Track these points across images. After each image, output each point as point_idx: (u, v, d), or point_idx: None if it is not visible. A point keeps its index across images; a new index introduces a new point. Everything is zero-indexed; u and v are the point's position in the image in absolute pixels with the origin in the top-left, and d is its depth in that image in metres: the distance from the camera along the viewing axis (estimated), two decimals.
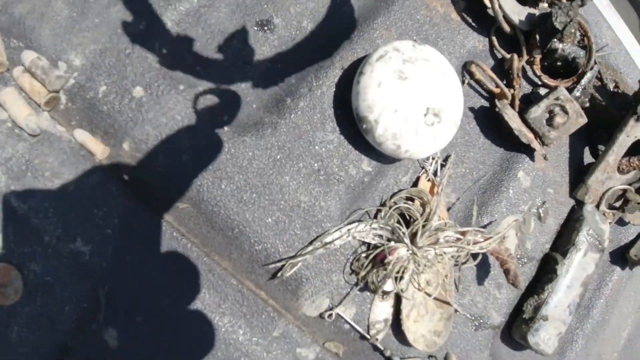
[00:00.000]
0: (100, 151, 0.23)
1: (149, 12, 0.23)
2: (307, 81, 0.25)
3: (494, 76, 0.28)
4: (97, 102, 0.23)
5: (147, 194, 0.23)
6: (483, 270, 0.28)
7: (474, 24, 0.29)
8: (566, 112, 0.29)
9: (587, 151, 0.34)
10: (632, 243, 0.36)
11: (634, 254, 0.35)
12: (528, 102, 0.30)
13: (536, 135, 0.29)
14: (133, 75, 0.23)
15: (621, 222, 0.36)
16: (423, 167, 0.27)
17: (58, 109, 0.23)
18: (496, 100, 0.28)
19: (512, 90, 0.29)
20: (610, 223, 0.34)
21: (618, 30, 0.38)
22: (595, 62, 0.30)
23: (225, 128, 0.24)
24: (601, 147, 0.33)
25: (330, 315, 0.25)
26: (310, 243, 0.24)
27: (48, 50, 0.23)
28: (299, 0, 0.26)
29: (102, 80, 0.23)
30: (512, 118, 0.28)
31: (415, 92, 0.23)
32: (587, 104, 0.31)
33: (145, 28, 0.23)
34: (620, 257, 0.36)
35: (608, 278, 0.36)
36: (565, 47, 0.29)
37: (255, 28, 0.25)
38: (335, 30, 0.26)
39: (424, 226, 0.25)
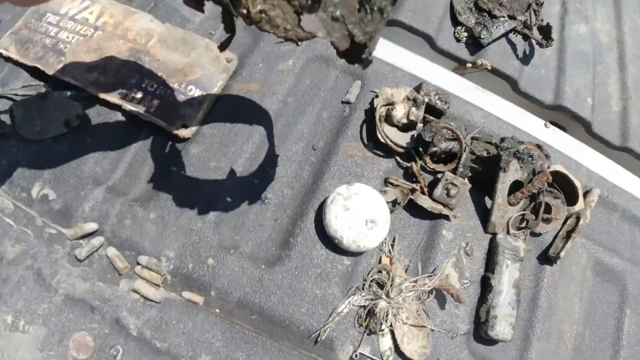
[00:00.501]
0: (199, 300, 0.43)
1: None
2: (298, 224, 0.45)
3: (405, 182, 0.49)
4: (189, 274, 0.43)
5: (230, 315, 0.42)
6: (440, 299, 0.46)
7: (382, 153, 0.50)
8: (456, 185, 0.49)
9: (486, 199, 0.53)
10: (550, 245, 0.54)
11: (552, 252, 0.52)
12: (433, 185, 0.50)
13: (444, 205, 0.49)
14: (204, 253, 0.44)
15: (536, 234, 0.54)
16: (381, 250, 0.47)
17: (168, 283, 0.43)
18: (411, 195, 0.48)
19: (419, 184, 0.49)
20: (524, 239, 0.52)
21: (487, 105, 0.59)
22: (466, 146, 0.51)
23: (262, 266, 0.44)
24: None
25: (357, 355, 0.43)
26: (330, 315, 0.43)
27: (152, 252, 0.43)
28: (283, 181, 0.47)
29: (188, 260, 0.43)
30: (425, 201, 0.48)
31: (357, 214, 0.43)
32: (470, 174, 0.51)
33: (200, 227, 0.44)
34: (545, 257, 0.53)
35: (542, 274, 0.51)
36: (442, 146, 0.50)
37: (259, 203, 0.46)
38: (305, 190, 0.47)
39: (391, 285, 0.44)
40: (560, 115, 0.64)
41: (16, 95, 0.48)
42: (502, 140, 0.50)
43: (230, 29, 0.32)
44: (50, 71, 0.48)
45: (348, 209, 0.43)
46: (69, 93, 0.47)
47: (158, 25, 0.51)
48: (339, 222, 0.43)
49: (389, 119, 0.49)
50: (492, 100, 0.59)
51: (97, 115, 0.47)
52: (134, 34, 0.50)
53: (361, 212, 0.44)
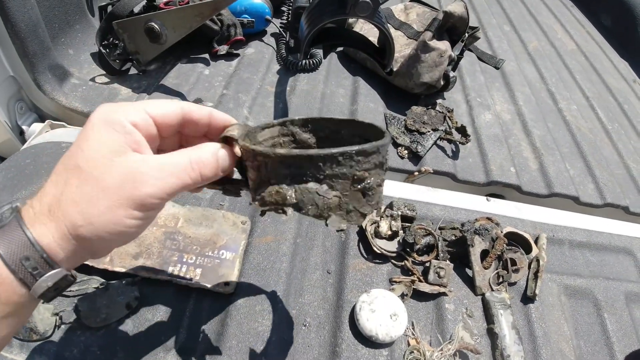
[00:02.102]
0: None
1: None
2: (338, 335, 0.65)
3: (404, 277, 0.72)
4: None
5: None
6: (464, 358, 0.67)
7: (380, 261, 0.73)
8: (443, 268, 0.73)
9: (467, 270, 0.77)
10: (526, 287, 0.78)
11: (529, 293, 0.77)
12: (425, 273, 0.73)
13: (439, 285, 0.72)
14: None
15: (512, 284, 0.78)
16: (406, 335, 0.67)
17: None
18: (413, 285, 0.71)
19: (415, 275, 0.72)
20: (505, 290, 0.76)
21: (440, 199, 0.87)
22: (439, 237, 0.76)
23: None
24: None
25: None
26: None
27: None
28: (314, 304, 0.67)
29: None
30: (424, 287, 0.71)
31: (382, 312, 0.65)
32: (449, 256, 0.75)
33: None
34: (526, 297, 0.77)
35: (529, 312, 0.75)
36: (422, 242, 0.74)
37: (302, 328, 0.65)
38: (333, 307, 0.68)
39: (425, 359, 0.64)
40: (495, 188, 0.94)
41: (70, 291, 0.65)
42: (463, 225, 0.76)
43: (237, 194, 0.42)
44: (99, 265, 0.67)
45: (374, 311, 0.65)
46: (124, 281, 0.65)
47: (180, 208, 0.74)
48: (371, 323, 0.64)
49: (377, 234, 0.73)
50: (442, 195, 0.88)
51: (152, 292, 0.66)
52: (163, 219, 0.72)
53: (384, 310, 0.65)
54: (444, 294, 0.73)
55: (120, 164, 0.31)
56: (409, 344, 0.69)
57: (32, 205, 0.32)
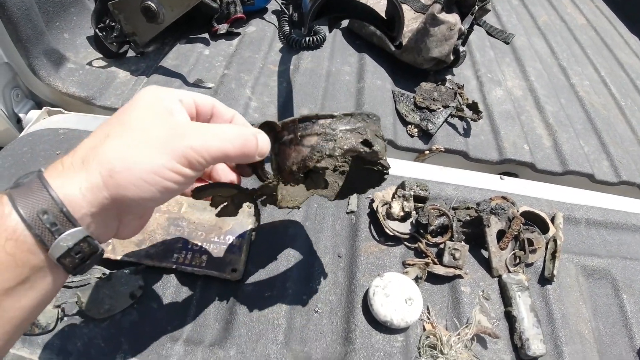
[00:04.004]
0: None
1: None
2: (351, 321, 0.61)
3: (418, 259, 0.68)
4: None
5: None
6: (481, 342, 0.64)
7: (393, 243, 0.70)
8: (458, 249, 0.69)
9: (482, 252, 0.73)
10: (543, 269, 0.74)
11: (547, 274, 0.73)
12: (439, 255, 0.69)
13: (454, 268, 0.68)
14: None
15: (529, 265, 0.74)
16: (421, 320, 0.64)
17: None
18: (427, 268, 0.67)
19: (429, 258, 0.68)
20: (522, 272, 0.72)
21: (452, 179, 0.83)
22: (453, 217, 0.72)
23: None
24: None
25: None
26: None
27: None
28: (326, 289, 0.64)
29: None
30: (439, 270, 0.67)
31: (396, 297, 0.61)
32: (463, 237, 0.71)
33: (275, 350, 0.59)
34: (544, 279, 0.73)
35: (547, 293, 0.72)
36: (435, 223, 0.70)
37: (314, 315, 0.62)
38: (345, 291, 0.64)
39: (442, 344, 0.61)
40: (509, 166, 0.90)
41: (72, 281, 0.62)
42: (478, 204, 0.72)
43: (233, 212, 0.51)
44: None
45: (388, 296, 0.61)
46: (127, 270, 0.62)
47: None
48: (385, 308, 0.60)
49: (389, 215, 0.69)
50: (454, 174, 0.83)
51: (156, 281, 0.63)
52: (166, 205, 0.68)
53: (398, 294, 0.62)
54: (460, 276, 0.70)
55: (168, 120, 0.31)
56: (424, 329, 0.65)
57: (62, 161, 0.30)
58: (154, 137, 0.30)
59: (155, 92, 0.33)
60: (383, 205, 0.70)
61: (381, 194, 0.72)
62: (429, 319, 0.66)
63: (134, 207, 0.31)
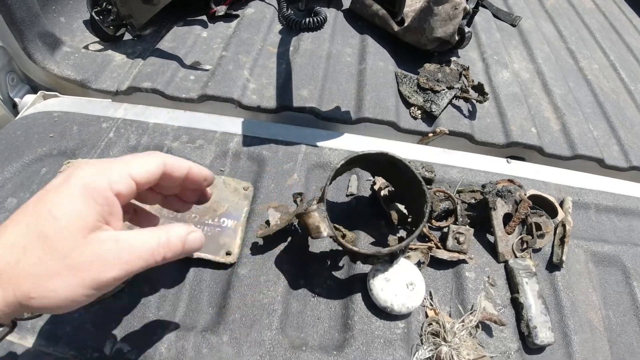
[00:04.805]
0: None
1: None
2: (350, 307, 0.58)
3: (421, 243, 0.64)
4: None
5: None
6: (487, 329, 0.60)
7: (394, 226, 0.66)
8: (462, 233, 0.65)
9: (487, 236, 0.69)
10: (551, 254, 0.70)
11: (555, 260, 0.69)
12: (443, 240, 0.66)
13: (459, 252, 0.65)
14: (281, 357, 0.55)
15: (537, 250, 0.71)
16: (423, 306, 0.60)
17: None
18: (430, 252, 0.64)
19: (432, 242, 0.65)
20: (529, 257, 0.69)
21: (457, 161, 0.79)
22: (457, 200, 0.68)
23: (334, 352, 0.55)
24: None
25: None
26: None
27: None
28: (324, 274, 0.61)
29: None
30: (443, 254, 0.64)
31: (397, 281, 0.58)
32: (468, 220, 0.68)
33: (270, 335, 0.56)
34: (552, 265, 0.70)
35: (555, 280, 0.68)
36: (440, 207, 0.67)
37: (311, 300, 0.59)
38: (345, 275, 0.61)
39: (445, 331, 0.57)
40: (516, 149, 0.86)
41: None
42: (484, 186, 0.68)
43: None
44: None
45: (389, 280, 0.58)
46: None
47: None
48: (385, 293, 0.57)
49: (391, 198, 0.65)
50: (459, 156, 0.79)
51: None
52: None
53: (400, 279, 0.58)
54: (464, 261, 0.66)
55: (92, 243, 0.30)
56: (427, 315, 0.62)
57: None
58: (74, 266, 0.29)
59: (87, 182, 0.31)
60: (385, 187, 0.67)
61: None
62: (431, 305, 0.62)
63: (46, 312, 0.32)
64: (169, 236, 0.35)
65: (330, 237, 0.54)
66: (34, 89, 0.93)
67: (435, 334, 0.60)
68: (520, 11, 1.20)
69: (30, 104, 0.86)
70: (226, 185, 0.67)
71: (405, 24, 0.89)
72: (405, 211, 0.66)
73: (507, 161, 0.81)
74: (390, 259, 0.59)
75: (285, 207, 0.63)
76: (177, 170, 0.38)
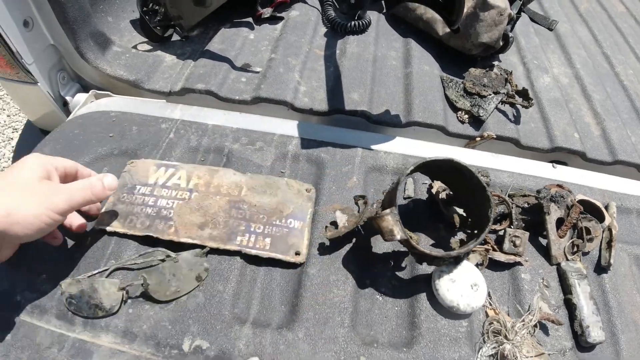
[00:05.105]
0: None
1: None
2: (416, 306, 0.61)
3: (479, 246, 0.67)
4: None
5: None
6: (543, 328, 0.63)
7: (452, 228, 0.68)
8: (518, 236, 0.68)
9: (540, 239, 0.72)
10: (599, 258, 0.73)
11: (603, 263, 0.72)
12: (499, 242, 0.68)
13: (514, 255, 0.67)
14: (355, 353, 0.57)
15: (585, 253, 0.73)
16: (484, 306, 0.63)
17: None
18: (486, 253, 0.66)
19: (489, 244, 0.67)
20: (580, 260, 0.71)
21: (505, 166, 0.81)
22: (512, 204, 0.70)
23: (404, 349, 0.58)
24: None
25: None
26: None
27: None
28: (388, 274, 0.63)
29: None
30: (500, 256, 0.66)
31: (462, 282, 0.60)
32: (523, 224, 0.70)
33: (343, 333, 0.58)
34: (600, 268, 0.72)
35: (603, 282, 0.70)
36: (497, 210, 0.69)
37: (378, 299, 0.61)
38: (409, 275, 0.63)
39: (506, 329, 0.60)
40: (559, 154, 0.88)
41: (135, 263, 0.62)
42: (539, 192, 0.71)
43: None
44: (164, 236, 0.63)
45: (454, 281, 0.60)
46: (192, 253, 0.61)
47: (241, 176, 0.70)
48: (452, 294, 0.60)
49: (449, 202, 0.68)
50: (506, 161, 0.82)
51: (220, 263, 0.62)
52: (226, 188, 0.68)
53: (464, 280, 0.61)
54: (519, 263, 0.68)
55: (46, 183, 0.49)
56: (487, 315, 0.64)
57: None
58: (39, 192, 0.46)
59: (38, 160, 0.50)
60: (443, 191, 0.69)
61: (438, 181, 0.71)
62: (490, 304, 0.65)
63: (14, 240, 0.48)
64: (92, 179, 0.53)
65: (403, 240, 0.56)
66: (84, 88, 0.95)
67: (497, 333, 0.62)
68: (556, 15, 1.22)
69: (83, 103, 0.88)
70: (289, 187, 0.69)
71: (451, 29, 0.91)
72: (463, 214, 0.68)
73: (553, 166, 0.84)
74: (455, 261, 0.62)
75: (350, 210, 0.65)
76: (81, 172, 0.57)
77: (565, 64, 1.06)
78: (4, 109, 2.06)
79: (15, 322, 0.56)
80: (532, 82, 0.97)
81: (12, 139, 1.94)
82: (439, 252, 0.58)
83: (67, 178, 0.54)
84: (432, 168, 0.64)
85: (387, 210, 0.57)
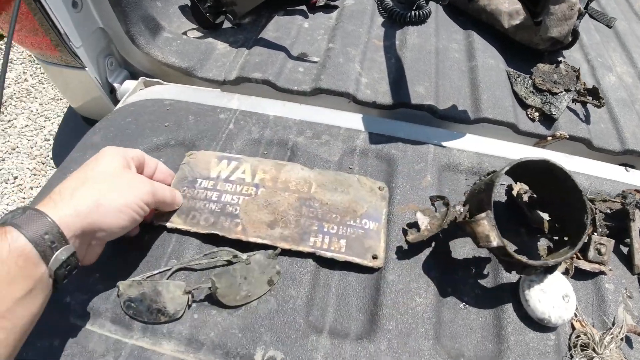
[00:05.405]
0: None
1: None
2: (503, 317, 0.55)
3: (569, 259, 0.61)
4: None
5: None
6: (628, 341, 0.57)
7: (538, 235, 0.63)
8: (604, 244, 0.62)
9: (621, 247, 0.66)
10: None
11: None
12: (584, 249, 0.63)
13: (599, 263, 0.62)
14: None
15: None
16: (571, 320, 0.58)
17: None
18: (571, 260, 0.61)
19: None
20: None
21: (580, 168, 0.76)
22: (596, 210, 0.65)
23: None
24: None
25: None
26: None
27: None
28: (470, 282, 0.58)
29: None
30: (585, 265, 0.61)
31: (553, 293, 0.55)
32: (607, 231, 0.65)
33: (427, 345, 0.53)
34: None
35: None
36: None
37: (461, 310, 0.56)
38: (493, 285, 0.58)
39: (594, 342, 0.55)
40: (629, 157, 0.82)
41: (199, 264, 0.56)
42: (624, 197, 0.65)
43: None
44: (231, 235, 0.57)
45: (545, 292, 0.55)
46: (264, 254, 0.56)
47: (309, 171, 0.64)
48: (543, 305, 0.55)
49: (533, 205, 0.62)
50: (579, 163, 0.75)
51: (291, 266, 0.57)
52: (294, 184, 0.63)
53: (555, 290, 0.56)
54: (603, 272, 0.63)
55: (129, 172, 0.46)
56: (573, 327, 0.59)
57: (52, 198, 0.39)
58: (125, 182, 0.44)
59: (115, 150, 0.47)
60: (525, 192, 0.64)
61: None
62: (576, 316, 0.60)
63: (104, 233, 0.42)
64: (167, 186, 0.55)
65: (499, 247, 0.51)
66: (132, 75, 0.90)
67: (585, 346, 0.57)
68: (612, 12, 1.15)
69: (132, 90, 0.83)
70: (361, 184, 0.64)
71: (519, 22, 0.85)
72: (548, 219, 0.63)
73: (626, 169, 0.78)
74: (545, 270, 0.57)
75: (430, 211, 0.60)
76: (150, 163, 0.56)
77: (627, 63, 1.00)
78: (36, 98, 2.02)
79: (64, 326, 0.51)
80: (597, 80, 0.90)
81: (44, 127, 1.90)
82: (535, 261, 0.53)
83: (139, 169, 0.51)
84: (519, 169, 0.59)
85: (483, 215, 0.51)
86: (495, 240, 0.51)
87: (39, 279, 0.35)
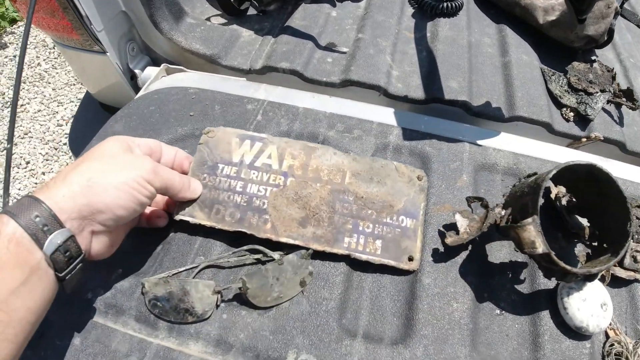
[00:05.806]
0: None
1: None
2: (539, 324, 0.53)
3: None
4: None
5: None
6: None
7: (575, 240, 0.60)
8: (639, 252, 0.60)
9: None
10: None
11: None
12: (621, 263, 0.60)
13: (634, 271, 0.59)
14: None
15: None
16: (605, 329, 0.55)
17: None
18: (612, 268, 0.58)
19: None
20: None
21: (614, 171, 0.72)
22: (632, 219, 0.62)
23: None
24: None
25: None
26: None
27: None
28: (507, 287, 0.55)
29: None
30: (621, 272, 0.58)
31: (592, 301, 0.53)
32: None
33: (464, 352, 0.51)
34: None
35: None
36: None
37: (498, 316, 0.54)
38: (529, 289, 0.56)
39: (629, 352, 0.53)
40: None
41: (228, 262, 0.54)
42: None
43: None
44: (260, 234, 0.53)
45: (585, 300, 0.53)
46: (297, 255, 0.53)
47: (343, 157, 0.59)
48: (582, 313, 0.52)
49: (570, 210, 0.60)
50: (615, 166, 0.72)
51: (323, 266, 0.55)
52: (326, 173, 0.58)
53: (594, 298, 0.53)
54: (638, 280, 0.61)
55: (132, 154, 0.43)
56: (607, 336, 0.57)
57: (47, 184, 0.36)
58: (123, 161, 0.40)
59: (119, 138, 0.43)
60: (563, 196, 0.61)
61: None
62: (610, 324, 0.58)
63: (105, 216, 0.37)
64: (177, 172, 0.49)
65: (544, 253, 0.49)
66: (154, 62, 0.86)
67: (619, 355, 0.55)
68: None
69: (155, 77, 0.79)
70: (400, 173, 0.59)
71: (554, 18, 0.80)
72: (588, 224, 0.60)
73: None
74: (585, 278, 0.54)
75: (468, 213, 0.57)
76: (168, 151, 0.52)
77: None
78: (50, 82, 1.97)
79: (86, 324, 0.48)
80: (630, 81, 0.87)
81: (57, 112, 1.86)
82: (579, 269, 0.51)
83: (153, 157, 0.47)
84: (560, 172, 0.56)
85: (529, 220, 0.48)
86: (541, 247, 0.48)
87: (35, 266, 0.32)
